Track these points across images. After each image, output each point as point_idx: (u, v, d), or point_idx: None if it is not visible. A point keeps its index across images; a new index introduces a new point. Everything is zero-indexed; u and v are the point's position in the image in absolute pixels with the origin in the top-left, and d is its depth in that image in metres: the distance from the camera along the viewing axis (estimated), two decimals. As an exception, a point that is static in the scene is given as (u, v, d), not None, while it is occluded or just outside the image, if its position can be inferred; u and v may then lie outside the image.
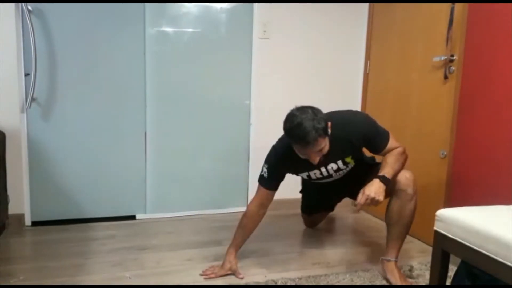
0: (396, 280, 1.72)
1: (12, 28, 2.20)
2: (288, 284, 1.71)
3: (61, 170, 2.42)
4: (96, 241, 2.17)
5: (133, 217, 2.58)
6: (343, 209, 2.75)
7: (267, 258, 1.97)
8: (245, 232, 1.86)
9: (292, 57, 2.74)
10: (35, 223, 2.39)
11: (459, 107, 2.03)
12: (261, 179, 1.84)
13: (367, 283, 1.74)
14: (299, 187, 2.36)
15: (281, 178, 1.84)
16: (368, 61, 2.84)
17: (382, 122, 1.93)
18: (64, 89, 2.37)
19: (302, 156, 1.63)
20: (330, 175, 1.85)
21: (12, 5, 2.18)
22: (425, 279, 1.77)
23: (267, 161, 1.84)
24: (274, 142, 2.70)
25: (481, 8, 1.91)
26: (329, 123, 1.58)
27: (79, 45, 2.36)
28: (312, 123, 1.50)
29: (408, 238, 1.93)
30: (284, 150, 1.75)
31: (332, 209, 2.40)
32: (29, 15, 2.19)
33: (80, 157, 2.44)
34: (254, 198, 1.86)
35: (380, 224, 2.58)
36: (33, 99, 2.28)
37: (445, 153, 2.09)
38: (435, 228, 1.39)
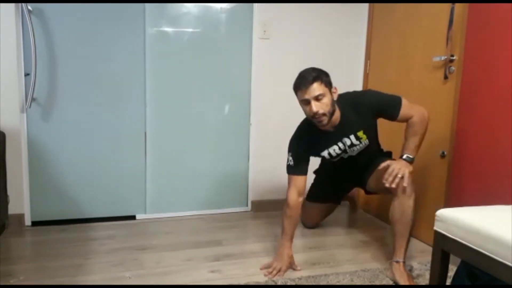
0: (405, 282, 1.70)
1: (12, 28, 2.20)
2: (288, 284, 1.71)
3: (61, 170, 2.42)
4: (96, 241, 2.17)
5: (133, 217, 2.58)
6: (343, 208, 2.76)
7: (266, 258, 1.97)
8: (293, 222, 1.90)
9: (292, 57, 2.74)
10: (35, 223, 2.39)
11: (459, 106, 2.03)
12: (289, 168, 1.92)
13: (367, 283, 1.74)
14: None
15: (307, 160, 1.93)
16: (368, 61, 2.84)
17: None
18: (64, 89, 2.37)
19: (307, 112, 1.76)
20: (346, 150, 1.95)
21: (12, 5, 2.18)
22: (425, 279, 1.77)
23: (290, 149, 1.95)
24: (274, 142, 2.72)
25: (481, 8, 1.91)
26: (336, 88, 1.81)
27: (79, 45, 2.36)
28: (311, 69, 1.78)
29: (408, 238, 1.93)
30: (302, 131, 1.95)
31: (338, 202, 2.42)
32: (29, 15, 2.19)
33: (80, 157, 2.44)
34: (290, 188, 1.91)
35: (379, 224, 2.58)
36: (33, 99, 2.28)
37: (445, 152, 2.09)
38: (435, 228, 1.39)
